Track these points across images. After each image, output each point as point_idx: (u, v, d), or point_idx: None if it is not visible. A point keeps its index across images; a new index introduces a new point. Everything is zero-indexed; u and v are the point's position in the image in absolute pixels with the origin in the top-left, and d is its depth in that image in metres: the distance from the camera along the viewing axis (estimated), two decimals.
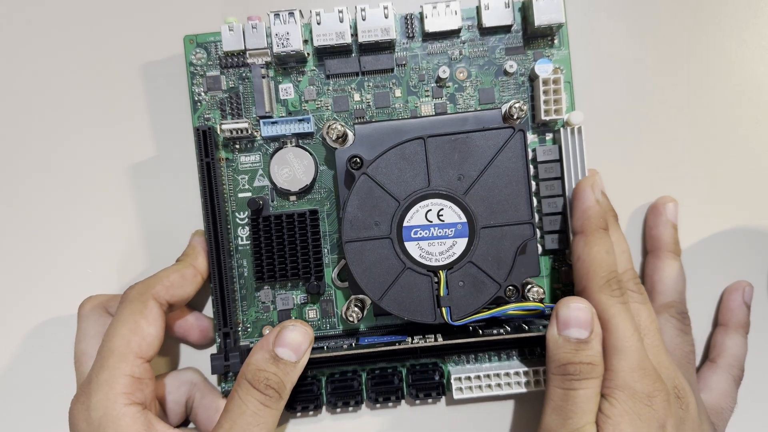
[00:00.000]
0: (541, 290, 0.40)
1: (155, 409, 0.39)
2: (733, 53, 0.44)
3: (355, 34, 0.42)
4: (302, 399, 0.42)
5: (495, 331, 0.40)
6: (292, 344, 0.37)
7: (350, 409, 0.44)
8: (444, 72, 0.42)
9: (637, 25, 0.44)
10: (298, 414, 0.44)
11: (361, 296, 0.40)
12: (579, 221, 0.40)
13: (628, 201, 0.44)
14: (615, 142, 0.44)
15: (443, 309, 0.38)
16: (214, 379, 0.44)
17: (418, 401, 0.44)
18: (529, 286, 0.40)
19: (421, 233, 0.39)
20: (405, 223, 0.39)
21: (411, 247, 0.39)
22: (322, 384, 0.43)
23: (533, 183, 0.42)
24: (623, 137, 0.44)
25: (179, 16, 0.45)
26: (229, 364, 0.41)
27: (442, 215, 0.38)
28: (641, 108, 0.44)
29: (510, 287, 0.39)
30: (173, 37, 0.43)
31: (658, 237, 0.43)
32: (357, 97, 0.43)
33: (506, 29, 0.43)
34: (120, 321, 0.38)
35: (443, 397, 0.44)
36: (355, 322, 0.40)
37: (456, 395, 0.41)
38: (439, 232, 0.39)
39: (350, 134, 0.41)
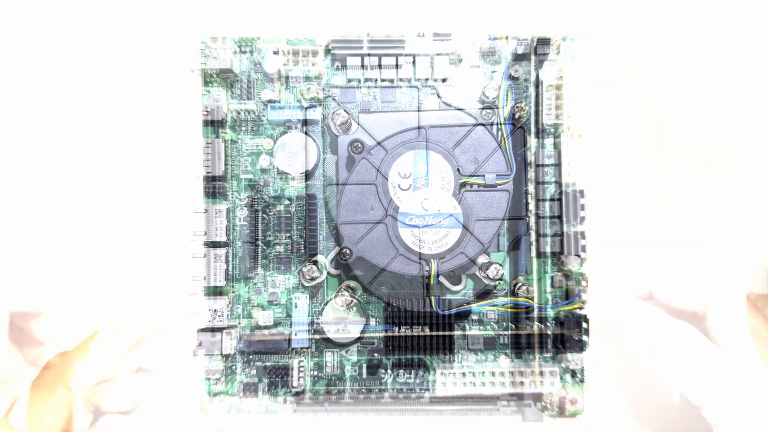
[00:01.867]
0: (531, 288, 0.40)
1: None
2: (734, 57, 0.45)
3: (366, 31, 0.43)
4: (283, 385, 0.42)
5: (481, 328, 0.40)
6: None
7: (332, 398, 0.43)
8: (449, 72, 0.43)
9: (639, 34, 0.45)
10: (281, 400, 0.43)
11: (351, 283, 0.41)
12: None
13: (628, 204, 0.44)
14: (615, 147, 0.45)
15: (432, 297, 0.39)
16: None
17: (401, 395, 0.44)
18: (519, 285, 0.40)
19: (415, 221, 0.39)
20: (401, 210, 0.39)
21: (405, 234, 0.39)
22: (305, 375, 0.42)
23: (531, 186, 0.42)
24: (624, 142, 0.45)
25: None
26: (215, 341, 0.41)
27: (437, 205, 0.39)
28: (642, 114, 0.45)
29: (500, 281, 0.39)
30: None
31: None
32: (364, 90, 0.44)
33: (513, 37, 0.44)
34: None
35: (427, 393, 0.43)
36: (344, 308, 0.40)
37: (439, 391, 0.40)
38: (434, 221, 0.39)
39: (354, 124, 0.42)
